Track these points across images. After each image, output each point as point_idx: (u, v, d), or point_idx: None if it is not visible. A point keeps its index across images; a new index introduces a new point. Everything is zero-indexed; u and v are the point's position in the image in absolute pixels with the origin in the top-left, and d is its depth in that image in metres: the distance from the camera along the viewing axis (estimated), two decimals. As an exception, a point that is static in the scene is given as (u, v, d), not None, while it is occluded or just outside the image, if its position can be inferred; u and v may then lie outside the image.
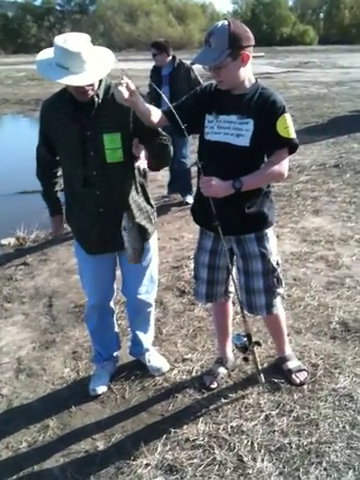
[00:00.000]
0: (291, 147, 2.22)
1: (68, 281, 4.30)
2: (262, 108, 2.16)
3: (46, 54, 2.21)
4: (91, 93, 2.26)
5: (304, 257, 4.21)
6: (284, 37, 66.07)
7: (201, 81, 5.24)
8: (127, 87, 2.04)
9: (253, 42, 2.15)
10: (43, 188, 2.71)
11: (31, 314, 3.85)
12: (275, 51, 42.43)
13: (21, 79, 24.63)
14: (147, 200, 2.61)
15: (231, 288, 2.63)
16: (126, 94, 2.03)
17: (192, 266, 4.19)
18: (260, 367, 2.60)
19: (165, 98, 2.36)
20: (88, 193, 2.40)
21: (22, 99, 18.55)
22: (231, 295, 2.70)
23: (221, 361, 2.83)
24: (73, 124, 2.33)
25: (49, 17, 70.93)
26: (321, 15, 78.23)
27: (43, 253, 5.19)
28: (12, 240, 5.83)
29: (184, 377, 2.83)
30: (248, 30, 2.14)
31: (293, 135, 2.18)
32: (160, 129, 2.44)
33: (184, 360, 2.98)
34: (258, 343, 2.55)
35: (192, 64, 2.52)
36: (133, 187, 2.49)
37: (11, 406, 2.82)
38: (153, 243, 2.73)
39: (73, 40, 2.12)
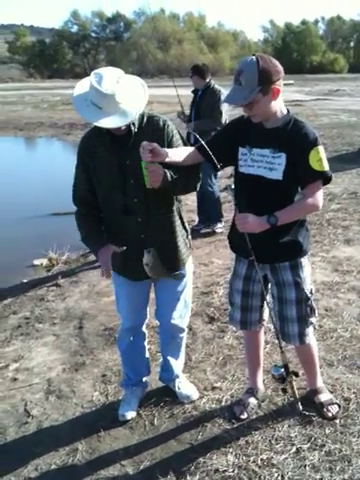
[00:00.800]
0: (325, 179, 2.23)
1: (98, 304, 4.34)
2: (294, 142, 2.18)
3: (82, 87, 2.27)
4: (125, 127, 2.32)
5: (336, 287, 4.17)
6: (314, 65, 66.38)
7: (221, 108, 5.47)
8: (149, 150, 2.15)
9: (283, 74, 2.17)
10: (86, 229, 2.58)
11: (62, 335, 3.89)
12: (305, 79, 42.64)
13: (56, 103, 25.32)
14: (183, 224, 2.65)
15: (265, 316, 2.63)
16: (148, 156, 2.16)
17: (221, 292, 4.26)
18: (298, 396, 2.58)
19: (197, 136, 2.44)
20: (129, 220, 2.44)
21: (56, 123, 19.05)
22: (265, 323, 2.69)
23: (252, 391, 2.81)
24: (112, 155, 2.40)
25: (84, 43, 72.96)
26: (351, 44, 78.44)
27: (74, 274, 5.27)
28: (44, 261, 5.94)
29: (213, 406, 2.81)
30: (277, 64, 2.15)
31: (326, 167, 2.19)
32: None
33: (214, 388, 2.97)
34: (295, 373, 2.53)
35: (223, 102, 2.59)
36: (171, 211, 2.54)
37: (41, 427, 2.85)
38: (189, 268, 2.75)
39: (107, 80, 2.17)
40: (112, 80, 2.18)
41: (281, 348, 2.49)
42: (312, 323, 2.50)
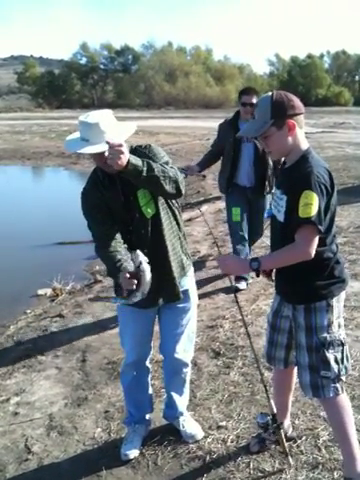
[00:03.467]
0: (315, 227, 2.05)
1: (102, 336, 4.30)
2: (292, 183, 2.13)
3: (75, 135, 2.38)
4: None
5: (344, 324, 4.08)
6: (319, 98, 67.27)
7: None
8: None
9: (300, 110, 2.15)
10: (110, 264, 2.46)
11: (64, 368, 3.84)
12: (310, 111, 43.12)
13: (64, 133, 25.62)
14: (186, 254, 2.70)
15: (293, 358, 2.47)
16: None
17: (227, 326, 4.22)
18: (287, 450, 2.51)
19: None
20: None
21: (64, 152, 19.20)
22: (293, 365, 2.52)
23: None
24: (115, 195, 2.46)
25: (93, 75, 74.32)
26: (356, 77, 79.71)
27: (78, 305, 5.24)
28: (48, 291, 5.92)
29: (218, 446, 2.74)
30: (294, 98, 2.15)
31: (312, 214, 2.01)
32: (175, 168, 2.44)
33: (219, 428, 2.89)
34: (278, 426, 2.45)
35: (238, 136, 2.61)
36: (175, 236, 2.59)
37: (41, 464, 2.78)
38: (193, 300, 2.75)
39: (93, 114, 2.29)
40: (98, 113, 2.30)
41: (268, 397, 2.42)
42: (328, 377, 2.24)
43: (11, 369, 3.92)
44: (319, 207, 2.04)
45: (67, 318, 4.91)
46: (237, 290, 4.86)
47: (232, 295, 4.88)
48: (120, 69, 74.75)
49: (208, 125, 27.22)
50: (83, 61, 74.61)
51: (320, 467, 2.50)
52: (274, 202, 2.31)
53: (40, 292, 5.96)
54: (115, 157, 2.09)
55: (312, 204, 2.02)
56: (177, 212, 2.62)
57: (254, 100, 4.52)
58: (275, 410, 2.50)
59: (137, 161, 2.18)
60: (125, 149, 2.11)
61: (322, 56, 78.18)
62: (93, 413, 3.20)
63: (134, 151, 2.44)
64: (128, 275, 2.28)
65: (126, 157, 2.12)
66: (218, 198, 9.55)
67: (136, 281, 2.29)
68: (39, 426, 3.13)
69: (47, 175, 16.80)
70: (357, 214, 7.73)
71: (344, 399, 2.33)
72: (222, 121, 5.14)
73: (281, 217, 2.20)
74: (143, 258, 2.31)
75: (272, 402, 2.50)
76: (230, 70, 70.92)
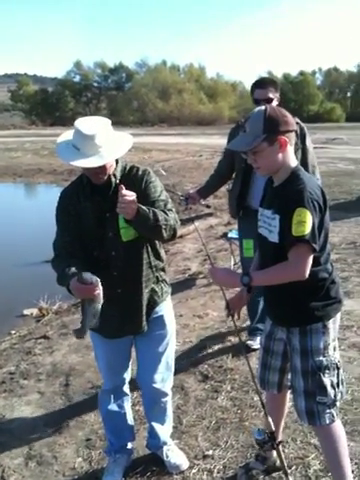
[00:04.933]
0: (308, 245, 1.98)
1: (87, 358, 4.15)
2: (284, 202, 2.03)
3: (67, 136, 2.27)
4: (103, 177, 2.28)
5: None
6: (311, 114, 67.80)
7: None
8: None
9: (293, 127, 2.08)
10: (62, 267, 2.28)
11: (47, 393, 3.70)
12: (303, 128, 43.52)
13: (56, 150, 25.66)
14: (162, 280, 2.56)
15: (287, 382, 2.38)
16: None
17: (216, 347, 4.08)
18: (288, 470, 2.36)
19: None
20: (105, 275, 2.25)
21: (56, 169, 19.23)
22: (287, 390, 2.44)
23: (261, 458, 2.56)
24: (92, 207, 2.34)
25: (87, 93, 74.89)
26: (348, 94, 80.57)
27: (64, 326, 5.11)
28: (34, 310, 5.81)
29: (204, 477, 2.58)
30: (287, 115, 2.07)
31: (305, 232, 1.92)
32: (171, 213, 2.35)
33: (205, 457, 2.74)
34: (278, 443, 2.30)
35: (226, 149, 2.46)
36: (148, 265, 2.44)
37: (17, 498, 2.63)
38: (170, 327, 2.61)
39: (90, 123, 2.18)
40: (95, 124, 2.19)
41: (266, 414, 2.28)
42: (325, 403, 2.13)
43: (-8, 394, 3.78)
44: (313, 224, 1.95)
45: (52, 339, 4.78)
46: (248, 349, 3.82)
47: (223, 314, 4.76)
48: (113, 87, 75.39)
49: (201, 142, 27.38)
50: (77, 79, 75.24)
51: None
52: (263, 223, 2.20)
53: (26, 312, 5.85)
54: (127, 208, 2.10)
55: (305, 222, 1.93)
56: (158, 242, 2.50)
57: (270, 95, 3.47)
58: (273, 428, 2.37)
59: (145, 211, 2.17)
60: (135, 198, 2.12)
61: (314, 73, 79.09)
62: (74, 441, 3.05)
63: (129, 172, 2.37)
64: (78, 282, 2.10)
65: (136, 207, 2.12)
66: (210, 214, 9.48)
67: (91, 285, 2.09)
68: (17, 456, 2.98)
69: (38, 192, 16.73)
70: (349, 230, 7.66)
71: (339, 427, 2.22)
72: (234, 125, 3.93)
73: (274, 238, 2.08)
74: (96, 279, 2.12)
75: (270, 419, 2.36)
76: (223, 87, 71.61)
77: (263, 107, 2.07)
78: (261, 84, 3.55)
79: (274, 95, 3.50)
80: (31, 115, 70.48)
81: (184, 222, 8.74)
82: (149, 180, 2.36)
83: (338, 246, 6.70)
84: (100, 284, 2.12)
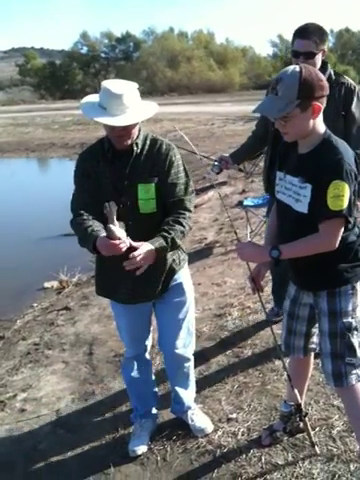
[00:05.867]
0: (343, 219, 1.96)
1: (109, 328, 4.22)
2: (318, 171, 1.95)
3: (93, 98, 2.28)
4: (128, 140, 2.27)
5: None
6: (324, 78, 66.51)
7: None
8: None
9: (327, 91, 1.95)
10: (84, 227, 2.26)
11: (71, 362, 3.78)
12: (316, 92, 42.55)
13: (67, 124, 25.55)
14: (180, 249, 2.55)
15: (312, 345, 2.40)
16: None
17: (236, 314, 4.11)
18: (314, 439, 2.42)
19: None
20: None
21: (68, 143, 19.16)
22: (312, 352, 2.46)
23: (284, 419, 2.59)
24: (111, 173, 2.33)
25: (94, 64, 73.79)
26: (362, 55, 78.46)
27: (85, 297, 5.18)
28: (55, 283, 5.88)
29: (229, 439, 2.65)
30: (323, 78, 1.93)
31: (343, 206, 1.88)
32: (188, 203, 2.37)
33: (229, 420, 2.80)
34: (305, 415, 2.36)
35: (253, 112, 2.12)
36: None
37: (48, 463, 2.72)
38: (189, 294, 2.63)
39: (119, 84, 2.19)
40: (123, 85, 2.19)
41: (292, 386, 2.31)
42: (352, 364, 2.14)
43: (18, 364, 3.89)
44: (350, 198, 1.91)
45: (74, 311, 4.85)
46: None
47: (241, 281, 4.79)
48: (121, 57, 74.14)
49: (212, 110, 26.97)
50: (84, 50, 73.99)
51: (335, 459, 2.39)
52: (285, 190, 2.13)
53: (46, 285, 5.93)
54: (144, 266, 2.16)
55: (343, 196, 1.88)
56: None
57: (312, 48, 2.87)
58: (300, 400, 2.41)
59: (162, 244, 2.20)
60: (144, 252, 2.14)
61: (326, 35, 77.08)
62: (100, 408, 3.13)
63: (152, 144, 2.34)
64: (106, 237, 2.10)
65: (152, 258, 2.19)
66: (224, 183, 9.41)
67: (119, 241, 2.07)
68: (46, 423, 3.07)
69: (52, 166, 16.73)
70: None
71: None
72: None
73: (302, 208, 2.02)
74: (124, 233, 2.12)
75: (296, 391, 2.40)
76: (233, 53, 69.92)
77: (298, 68, 1.90)
78: (303, 33, 2.91)
79: (319, 49, 2.90)
80: (40, 89, 69.84)
81: (198, 192, 8.71)
82: (172, 160, 2.34)
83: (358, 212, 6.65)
84: (129, 239, 2.12)
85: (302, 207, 2.02)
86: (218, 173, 3.43)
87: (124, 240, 2.09)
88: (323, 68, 2.95)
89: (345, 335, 2.13)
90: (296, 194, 2.05)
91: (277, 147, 2.57)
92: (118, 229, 2.09)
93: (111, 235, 2.06)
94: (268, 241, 2.35)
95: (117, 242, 2.06)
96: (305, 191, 2.00)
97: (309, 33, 2.88)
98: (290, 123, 1.95)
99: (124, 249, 2.09)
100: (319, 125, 2.01)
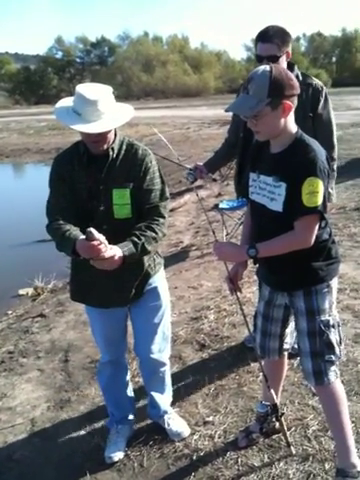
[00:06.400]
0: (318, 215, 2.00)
1: (85, 334, 4.17)
2: (292, 169, 1.97)
3: (67, 102, 2.25)
4: (103, 145, 2.25)
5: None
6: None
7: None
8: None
9: (298, 90, 1.99)
10: (62, 232, 2.23)
11: (46, 370, 3.73)
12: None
13: (42, 129, 25.33)
14: (155, 253, 2.56)
15: (286, 346, 2.43)
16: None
17: (212, 317, 4.11)
18: (289, 439, 2.43)
19: None
20: None
21: (43, 148, 19.01)
22: (286, 353, 2.49)
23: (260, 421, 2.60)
24: (86, 177, 2.31)
25: (70, 69, 73.53)
26: (333, 59, 79.63)
27: (60, 304, 5.12)
28: (30, 290, 5.81)
29: (205, 443, 2.64)
30: (293, 77, 1.97)
31: (318, 203, 1.92)
32: (162, 210, 2.37)
33: (205, 423, 2.79)
34: (281, 415, 2.37)
35: (226, 111, 2.12)
36: None
37: (23, 473, 2.67)
38: (165, 298, 2.62)
39: (93, 89, 2.16)
40: (97, 90, 2.16)
41: (268, 387, 2.33)
42: (331, 361, 2.17)
43: (-8, 374, 3.81)
44: (324, 195, 1.94)
45: (49, 317, 4.79)
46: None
47: (217, 284, 4.80)
48: (97, 62, 74.08)
49: (188, 114, 27.08)
50: (59, 55, 73.82)
51: (310, 459, 2.41)
52: (259, 190, 2.14)
53: (21, 292, 5.85)
54: (111, 267, 2.13)
55: (318, 192, 1.92)
56: None
57: (275, 51, 2.78)
58: (276, 400, 2.42)
59: (131, 250, 2.19)
60: (113, 253, 2.11)
61: (298, 39, 77.90)
62: (76, 415, 3.09)
63: (128, 149, 2.32)
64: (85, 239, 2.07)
65: (120, 260, 2.14)
66: (200, 187, 9.43)
67: (97, 242, 2.04)
68: (21, 432, 3.02)
69: (27, 172, 16.56)
70: (338, 195, 7.63)
71: (340, 385, 2.26)
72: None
73: (277, 206, 2.04)
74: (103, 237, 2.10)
75: (273, 391, 2.41)
76: (207, 57, 70.39)
77: (268, 68, 1.93)
78: (264, 37, 2.82)
79: (282, 51, 2.81)
80: (14, 94, 69.24)
81: (174, 195, 8.73)
82: (148, 166, 2.33)
83: (328, 211, 6.72)
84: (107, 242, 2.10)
85: (277, 206, 2.04)
86: (192, 182, 3.39)
87: (104, 242, 2.07)
88: (289, 70, 2.74)
89: (324, 333, 2.15)
90: (271, 193, 2.07)
91: (247, 153, 2.59)
92: (97, 233, 2.08)
93: (91, 237, 2.05)
94: (244, 241, 2.36)
95: (96, 243, 2.04)
96: (280, 190, 2.02)
97: (270, 36, 2.81)
98: (261, 121, 1.98)
99: (103, 251, 2.07)
100: (291, 124, 2.04)
